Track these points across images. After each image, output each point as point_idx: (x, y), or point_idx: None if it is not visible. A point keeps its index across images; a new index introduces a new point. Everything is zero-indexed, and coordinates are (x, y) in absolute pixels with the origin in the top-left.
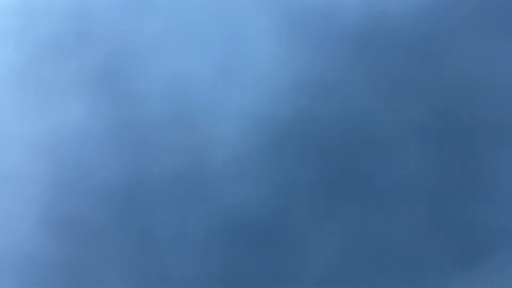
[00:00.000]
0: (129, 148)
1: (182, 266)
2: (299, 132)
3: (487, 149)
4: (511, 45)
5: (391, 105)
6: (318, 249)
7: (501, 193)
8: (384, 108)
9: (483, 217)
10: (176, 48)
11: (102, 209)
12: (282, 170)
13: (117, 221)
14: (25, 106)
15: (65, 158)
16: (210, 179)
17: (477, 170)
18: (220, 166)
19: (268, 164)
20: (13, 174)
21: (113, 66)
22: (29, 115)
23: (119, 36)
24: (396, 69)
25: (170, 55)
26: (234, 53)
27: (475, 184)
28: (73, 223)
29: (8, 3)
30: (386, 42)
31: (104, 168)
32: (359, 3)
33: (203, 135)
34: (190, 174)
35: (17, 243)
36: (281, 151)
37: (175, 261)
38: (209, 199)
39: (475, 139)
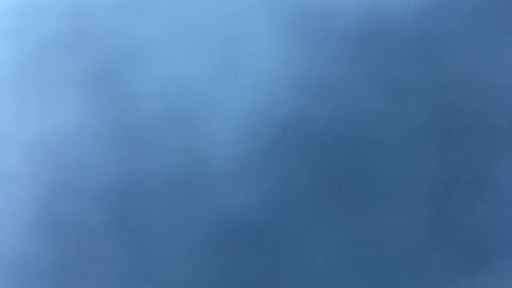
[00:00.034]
0: (127, 148)
1: (180, 267)
2: (299, 132)
3: (488, 150)
4: (511, 45)
5: (391, 105)
6: (317, 249)
7: (502, 194)
8: (384, 108)
9: (484, 218)
10: (175, 49)
11: (99, 209)
12: (281, 170)
13: (114, 222)
14: (22, 107)
15: (62, 159)
16: (208, 179)
17: (478, 170)
18: (218, 167)
19: (267, 164)
20: (10, 174)
21: (111, 67)
22: (26, 116)
23: (117, 37)
24: (396, 69)
25: (169, 56)
26: (234, 53)
27: (476, 184)
28: (70, 224)
29: (6, 4)
30: (386, 42)
31: (102, 169)
32: (358, 3)
33: (202, 136)
34: (188, 174)
35: (13, 244)
36: (280, 151)
37: (172, 262)
38: (208, 200)
39: (476, 140)
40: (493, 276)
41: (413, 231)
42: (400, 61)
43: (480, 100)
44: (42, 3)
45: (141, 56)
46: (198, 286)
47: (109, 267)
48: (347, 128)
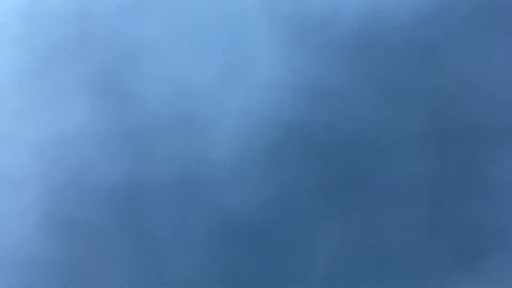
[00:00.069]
0: (132, 149)
1: (182, 266)
2: (299, 135)
3: (486, 150)
4: (509, 48)
5: (390, 108)
6: (318, 250)
7: (501, 193)
8: (384, 111)
9: (482, 217)
10: (178, 52)
11: (102, 209)
12: (282, 173)
13: (117, 222)
14: (27, 108)
15: (68, 160)
16: (210, 181)
17: (477, 170)
18: (220, 169)
19: (268, 167)
20: (14, 175)
21: (117, 70)
22: (33, 117)
23: (121, 40)
24: (395, 73)
25: (172, 59)
26: (235, 58)
27: (474, 184)
28: (73, 224)
29: (11, 8)
30: (385, 47)
31: (108, 169)
32: (358, 10)
33: (204, 138)
34: (190, 176)
35: (18, 244)
36: (281, 154)
37: (174, 261)
38: (209, 201)
39: (474, 140)
40: (491, 275)
41: (414, 229)
42: (399, 65)
43: (479, 102)
44: (47, 7)
45: (146, 59)
46: (203, 285)
47: (115, 266)
48: (348, 131)
